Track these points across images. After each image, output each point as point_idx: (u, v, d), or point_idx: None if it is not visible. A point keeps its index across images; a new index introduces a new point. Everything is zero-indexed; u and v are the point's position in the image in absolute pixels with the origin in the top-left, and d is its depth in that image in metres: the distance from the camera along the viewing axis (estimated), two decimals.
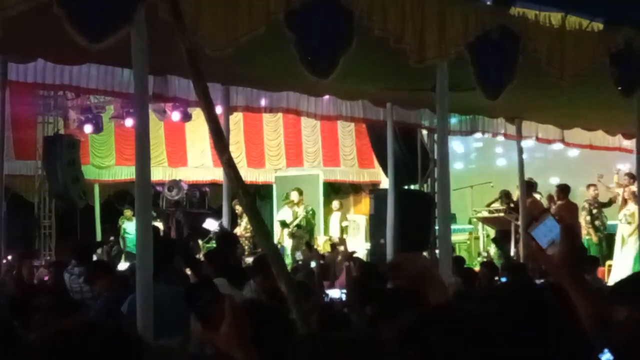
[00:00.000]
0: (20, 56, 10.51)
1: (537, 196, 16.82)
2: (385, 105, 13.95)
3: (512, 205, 16.59)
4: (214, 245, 13.49)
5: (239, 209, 15.99)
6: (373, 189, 19.67)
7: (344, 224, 19.26)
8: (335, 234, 19.23)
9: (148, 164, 6.94)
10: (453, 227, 13.94)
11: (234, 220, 16.52)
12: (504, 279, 11.50)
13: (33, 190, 18.22)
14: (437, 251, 12.85)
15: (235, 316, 2.58)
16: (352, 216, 21.06)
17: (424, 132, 16.24)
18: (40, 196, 17.86)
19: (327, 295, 8.45)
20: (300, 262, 13.57)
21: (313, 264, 12.51)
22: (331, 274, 12.96)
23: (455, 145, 20.12)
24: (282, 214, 18.47)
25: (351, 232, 19.78)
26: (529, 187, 15.90)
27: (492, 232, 18.01)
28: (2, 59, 10.50)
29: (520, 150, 15.41)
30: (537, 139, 16.49)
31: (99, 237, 19.13)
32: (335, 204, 19.88)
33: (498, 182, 18.55)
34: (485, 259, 16.59)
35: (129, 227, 17.46)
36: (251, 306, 2.96)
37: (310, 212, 17.86)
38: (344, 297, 8.60)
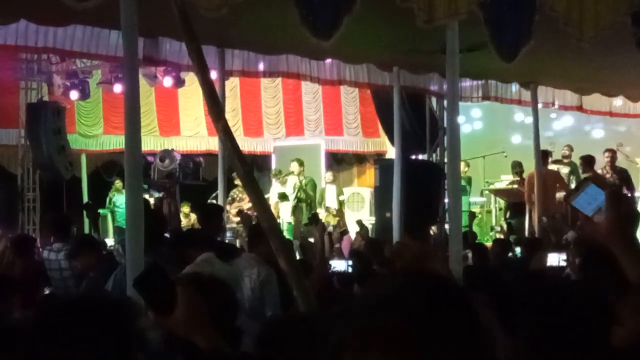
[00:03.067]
0: (1, 17, 10.44)
1: (554, 167, 16.77)
2: (392, 69, 13.89)
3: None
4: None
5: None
6: (378, 159, 19.61)
7: (341, 197, 19.12)
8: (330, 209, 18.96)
9: (138, 132, 6.91)
10: (464, 199, 13.94)
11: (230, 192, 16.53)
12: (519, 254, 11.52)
13: (16, 161, 18.17)
14: (446, 225, 12.86)
15: (190, 299, 2.58)
16: (356, 188, 21.04)
17: (433, 98, 16.18)
18: (23, 167, 17.78)
19: (331, 267, 8.48)
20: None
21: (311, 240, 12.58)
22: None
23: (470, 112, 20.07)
24: (273, 189, 18.39)
25: (355, 205, 19.74)
26: (544, 156, 15.85)
27: (504, 205, 18.01)
28: None
29: (536, 118, 15.34)
30: (554, 105, 16.44)
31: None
32: (328, 176, 19.56)
33: (512, 153, 18.55)
34: (498, 234, 16.62)
35: (119, 200, 17.44)
36: (198, 282, 2.93)
37: (310, 183, 17.78)
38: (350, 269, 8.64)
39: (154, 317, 2.59)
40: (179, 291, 2.56)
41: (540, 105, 15.64)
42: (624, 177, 16.15)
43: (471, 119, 21.23)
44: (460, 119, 20.14)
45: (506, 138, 21.28)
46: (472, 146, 18.30)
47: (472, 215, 16.80)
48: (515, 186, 16.82)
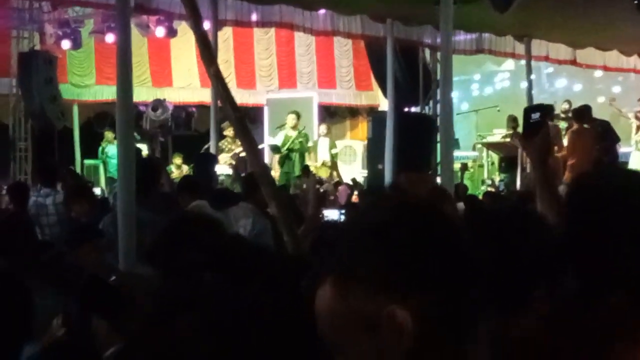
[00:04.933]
0: None
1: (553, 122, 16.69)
2: (385, 21, 13.83)
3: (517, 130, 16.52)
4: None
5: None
6: (371, 111, 19.55)
7: (334, 151, 19.02)
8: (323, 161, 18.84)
9: (130, 82, 6.88)
10: (456, 153, 13.92)
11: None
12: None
13: (7, 110, 18.08)
14: (438, 178, 12.89)
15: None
16: (349, 142, 20.98)
17: (427, 51, 16.12)
18: (15, 117, 17.72)
19: (324, 216, 8.46)
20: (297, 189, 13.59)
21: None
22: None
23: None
24: (277, 139, 18.31)
25: (347, 158, 19.74)
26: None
27: (497, 159, 18.00)
28: None
29: (529, 71, 15.33)
30: (548, 59, 16.40)
31: (78, 161, 19.12)
32: (322, 128, 19.40)
33: (505, 107, 18.49)
34: (489, 187, 16.62)
35: (111, 150, 17.38)
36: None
37: (304, 136, 17.74)
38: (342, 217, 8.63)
39: (109, 329, 2.55)
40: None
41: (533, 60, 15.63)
42: (605, 128, 16.10)
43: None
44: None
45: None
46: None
47: (464, 167, 16.77)
48: (508, 140, 16.78)
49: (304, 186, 12.46)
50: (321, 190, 12.29)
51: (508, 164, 16.68)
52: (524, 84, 16.38)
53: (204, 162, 9.84)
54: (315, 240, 6.79)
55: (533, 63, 16.00)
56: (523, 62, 16.60)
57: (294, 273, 2.29)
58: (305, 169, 16.10)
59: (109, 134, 18.11)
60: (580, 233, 2.17)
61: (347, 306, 1.42)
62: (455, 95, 20.55)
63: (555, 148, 14.70)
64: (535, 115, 3.24)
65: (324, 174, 17.40)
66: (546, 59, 16.43)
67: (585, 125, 15.52)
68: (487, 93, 21.47)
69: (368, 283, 1.41)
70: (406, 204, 1.56)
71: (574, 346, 1.95)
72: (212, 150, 13.73)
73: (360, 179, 16.38)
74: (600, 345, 1.92)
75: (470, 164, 19.03)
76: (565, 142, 14.93)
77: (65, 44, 16.74)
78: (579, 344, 1.95)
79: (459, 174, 15.38)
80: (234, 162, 16.19)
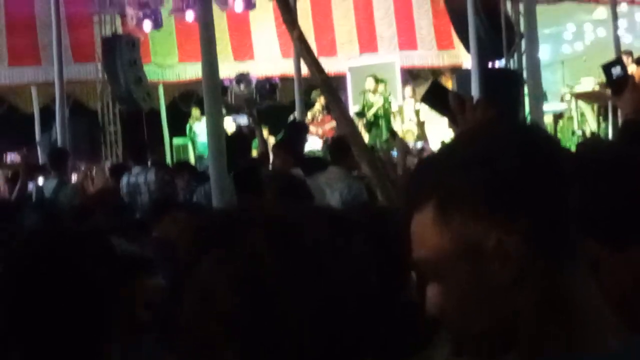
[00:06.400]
0: None
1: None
2: None
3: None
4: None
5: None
6: (455, 69, 19.30)
7: (417, 106, 18.80)
8: (409, 124, 18.71)
9: (215, 58, 6.91)
10: (544, 107, 13.67)
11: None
12: None
13: (95, 96, 18.40)
14: None
15: None
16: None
17: (508, 3, 15.82)
18: (103, 101, 18.04)
19: None
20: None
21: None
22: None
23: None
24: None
25: (433, 120, 19.58)
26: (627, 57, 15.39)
27: (587, 110, 17.62)
28: None
29: (615, 16, 14.93)
30: (634, 2, 15.96)
31: (167, 141, 19.34)
32: (407, 90, 19.24)
33: (592, 57, 18.05)
34: (580, 138, 16.31)
35: (199, 128, 17.55)
36: None
37: (388, 102, 17.64)
38: None
39: None
40: None
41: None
42: None
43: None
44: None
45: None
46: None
47: (558, 118, 16.46)
48: (599, 88, 16.39)
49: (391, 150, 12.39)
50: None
51: (605, 114, 16.28)
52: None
53: (295, 131, 9.88)
54: None
55: (628, 10, 15.61)
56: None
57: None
58: (392, 133, 16.03)
59: (195, 112, 18.29)
60: None
61: (450, 231, 1.39)
62: (546, 48, 20.36)
63: None
64: (616, 70, 3.18)
65: (410, 137, 17.30)
66: (632, 1, 16.00)
67: None
68: (576, 44, 20.95)
69: (473, 208, 1.38)
70: (510, 129, 1.52)
71: None
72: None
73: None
74: None
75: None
76: None
77: (147, 25, 16.95)
78: None
79: (552, 126, 15.13)
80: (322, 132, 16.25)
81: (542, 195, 1.39)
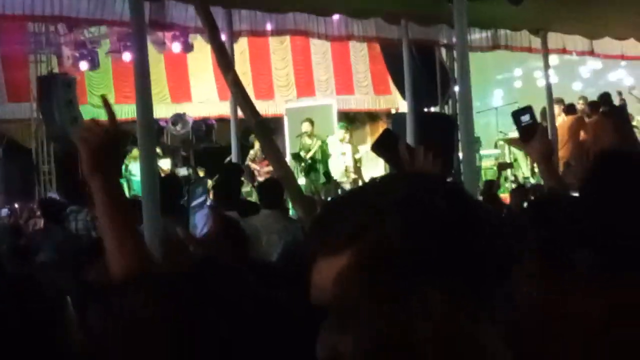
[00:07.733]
0: None
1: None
2: (400, 21, 13.81)
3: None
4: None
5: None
6: (391, 114, 19.49)
7: (357, 155, 18.89)
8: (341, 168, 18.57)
9: (150, 99, 6.90)
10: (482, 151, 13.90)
11: (244, 157, 16.47)
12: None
13: (29, 134, 18.20)
14: (462, 177, 12.82)
15: None
16: (369, 147, 20.83)
17: (443, 50, 16.09)
18: (37, 141, 17.84)
19: None
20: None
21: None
22: None
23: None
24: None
25: (369, 163, 19.65)
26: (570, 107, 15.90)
27: (520, 155, 17.89)
28: None
29: (547, 65, 15.28)
30: (564, 51, 16.35)
31: None
32: (340, 133, 19.03)
33: (524, 103, 18.34)
34: (512, 184, 16.54)
35: (135, 168, 17.41)
36: None
37: (325, 144, 17.68)
38: None
39: None
40: None
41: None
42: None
43: None
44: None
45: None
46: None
47: (502, 167, 16.90)
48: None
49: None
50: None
51: None
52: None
53: (231, 173, 9.87)
54: None
55: (579, 59, 16.05)
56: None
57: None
58: (328, 175, 16.10)
59: (134, 151, 18.14)
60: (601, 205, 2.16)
61: (369, 283, 1.36)
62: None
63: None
64: (525, 118, 3.28)
65: (345, 179, 17.36)
66: (564, 51, 16.37)
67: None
68: (511, 90, 21.40)
69: (395, 263, 1.35)
70: (436, 182, 1.50)
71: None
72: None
73: None
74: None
75: (492, 162, 18.92)
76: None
77: (83, 65, 16.85)
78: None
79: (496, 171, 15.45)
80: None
81: (469, 256, 1.37)
